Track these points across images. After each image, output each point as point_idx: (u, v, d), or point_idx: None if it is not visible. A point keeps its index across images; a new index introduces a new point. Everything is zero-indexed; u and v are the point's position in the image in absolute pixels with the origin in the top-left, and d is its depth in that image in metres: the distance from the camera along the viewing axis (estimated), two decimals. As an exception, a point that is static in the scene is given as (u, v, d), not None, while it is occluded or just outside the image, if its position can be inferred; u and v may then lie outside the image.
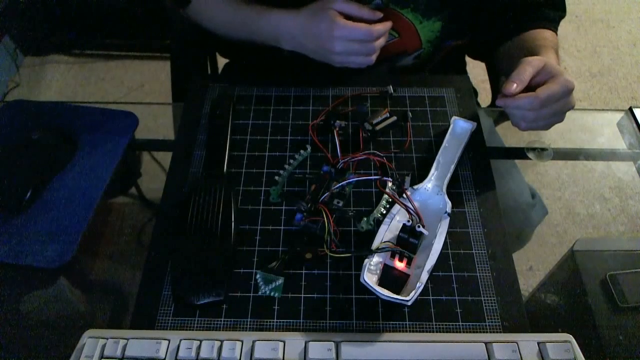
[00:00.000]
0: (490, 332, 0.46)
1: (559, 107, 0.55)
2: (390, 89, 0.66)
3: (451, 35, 0.72)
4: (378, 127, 0.60)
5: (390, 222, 0.52)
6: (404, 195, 0.53)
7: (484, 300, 0.48)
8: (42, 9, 1.68)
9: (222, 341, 0.44)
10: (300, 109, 0.65)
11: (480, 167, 0.59)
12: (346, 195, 0.55)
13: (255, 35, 0.68)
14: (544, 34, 0.65)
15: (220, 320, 0.47)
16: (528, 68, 0.53)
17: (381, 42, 0.63)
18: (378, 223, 0.53)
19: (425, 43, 0.71)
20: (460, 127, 0.61)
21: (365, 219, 0.54)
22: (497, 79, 0.86)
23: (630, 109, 0.69)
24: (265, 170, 0.59)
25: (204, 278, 0.49)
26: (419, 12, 0.67)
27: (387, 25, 0.62)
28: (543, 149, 0.64)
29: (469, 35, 0.74)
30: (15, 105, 0.68)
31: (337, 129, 0.60)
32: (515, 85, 0.53)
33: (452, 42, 0.74)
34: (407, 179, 0.56)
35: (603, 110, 1.12)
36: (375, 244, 0.50)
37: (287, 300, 0.49)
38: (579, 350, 0.44)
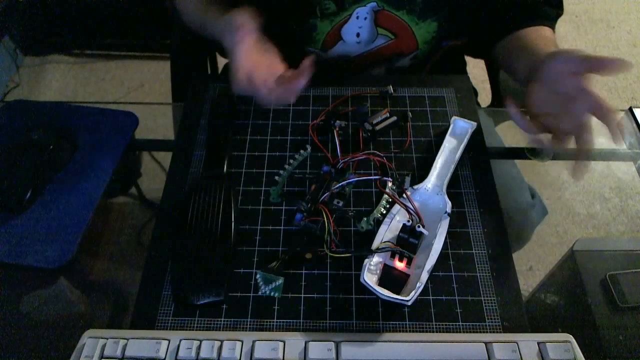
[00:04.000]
0: (490, 332, 0.46)
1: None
2: (390, 89, 0.66)
3: (448, 35, 0.72)
4: (378, 127, 0.60)
5: (390, 222, 0.52)
6: (404, 195, 0.53)
7: (484, 300, 0.48)
8: (42, 9, 1.68)
9: (222, 341, 0.44)
10: (300, 109, 0.65)
11: (480, 167, 0.59)
12: (346, 195, 0.55)
13: (213, 34, 0.65)
14: (544, 32, 0.65)
15: (220, 320, 0.47)
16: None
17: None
18: (378, 223, 0.53)
19: (421, 44, 0.71)
20: (460, 127, 0.61)
21: (365, 219, 0.54)
22: (497, 78, 0.86)
23: (630, 109, 0.69)
24: (265, 170, 0.59)
25: (204, 278, 0.49)
26: (414, 14, 0.67)
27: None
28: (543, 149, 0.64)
29: (466, 35, 0.74)
30: (15, 105, 0.68)
31: (337, 129, 0.60)
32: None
33: (449, 43, 0.74)
34: (407, 179, 0.56)
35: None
36: (375, 244, 0.50)
37: (287, 300, 0.49)
38: (579, 350, 0.44)
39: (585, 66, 0.51)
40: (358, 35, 0.69)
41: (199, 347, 0.43)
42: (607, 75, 0.50)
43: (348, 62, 0.74)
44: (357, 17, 0.68)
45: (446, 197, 0.54)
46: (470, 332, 0.46)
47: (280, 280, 0.49)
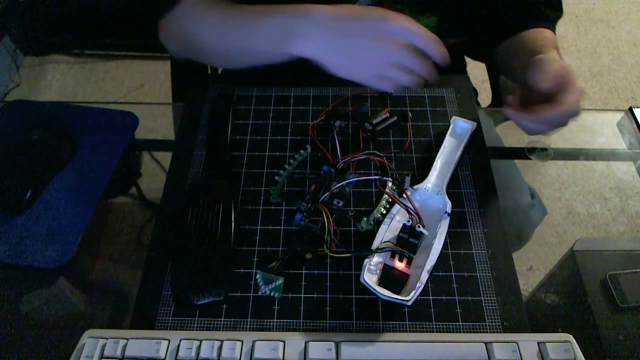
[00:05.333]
0: (490, 332, 0.46)
1: (571, 117, 0.54)
2: (390, 89, 0.66)
3: (447, 33, 0.72)
4: (378, 127, 0.60)
5: (390, 222, 0.52)
6: (404, 195, 0.53)
7: (484, 300, 0.48)
8: (42, 9, 1.68)
9: (222, 341, 0.44)
10: (300, 109, 0.65)
11: (480, 167, 0.59)
12: (346, 195, 0.55)
13: (256, 35, 0.53)
14: (544, 34, 0.65)
15: (220, 320, 0.47)
16: (553, 69, 0.51)
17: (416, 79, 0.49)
18: (378, 223, 0.53)
19: None
20: (460, 127, 0.61)
21: (365, 219, 0.54)
22: (497, 78, 0.86)
23: (630, 109, 0.69)
24: (265, 170, 0.59)
25: (204, 278, 0.49)
26: (414, 7, 0.67)
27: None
28: (543, 149, 0.64)
29: (466, 35, 0.74)
30: (15, 105, 0.68)
31: (337, 129, 0.60)
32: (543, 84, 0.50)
33: (449, 41, 0.74)
34: (407, 179, 0.56)
35: (603, 110, 1.12)
36: (375, 244, 0.50)
37: (287, 300, 0.49)
38: (579, 350, 0.44)
39: (561, 82, 0.52)
40: None
41: (199, 347, 0.43)
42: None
43: None
44: None
45: (446, 197, 0.54)
46: (470, 332, 0.46)
47: (280, 280, 0.49)
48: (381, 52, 0.47)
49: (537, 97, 0.53)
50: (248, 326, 0.47)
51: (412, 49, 0.47)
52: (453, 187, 0.56)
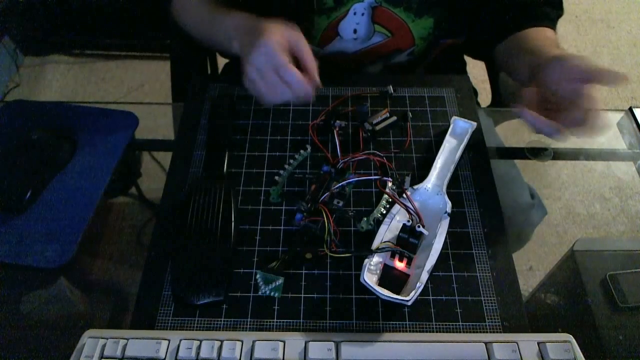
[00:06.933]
0: (490, 332, 0.46)
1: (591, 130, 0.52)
2: (390, 89, 0.66)
3: (445, 32, 0.72)
4: (378, 127, 0.60)
5: (390, 222, 0.52)
6: (404, 195, 0.53)
7: (484, 300, 0.48)
8: (42, 9, 1.68)
9: (222, 341, 0.44)
10: (300, 109, 0.65)
11: (480, 167, 0.59)
12: (346, 195, 0.55)
13: (215, 35, 0.65)
14: (545, 33, 0.65)
15: (220, 320, 0.47)
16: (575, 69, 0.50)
17: (289, 94, 0.54)
18: (378, 223, 0.53)
19: (417, 40, 0.72)
20: (460, 127, 0.61)
21: (365, 219, 0.54)
22: (497, 78, 0.86)
23: (630, 109, 0.69)
24: (265, 170, 0.59)
25: (204, 278, 0.49)
26: (411, 11, 0.67)
27: (308, 86, 0.53)
28: (543, 149, 0.64)
29: (464, 34, 0.74)
30: (15, 105, 0.68)
31: (337, 129, 0.60)
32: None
33: (447, 40, 0.74)
34: (407, 179, 0.56)
35: (603, 110, 1.11)
36: (375, 244, 0.50)
37: (287, 300, 0.49)
38: (579, 350, 0.44)
39: (587, 77, 0.51)
40: (355, 31, 0.70)
41: (199, 347, 0.43)
42: (606, 86, 0.50)
43: (345, 60, 0.74)
44: (355, 13, 0.68)
45: (446, 197, 0.54)
46: (470, 332, 0.46)
47: (280, 280, 0.49)
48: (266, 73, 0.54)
49: (551, 96, 0.53)
50: (248, 326, 0.47)
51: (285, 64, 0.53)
52: (453, 187, 0.56)
